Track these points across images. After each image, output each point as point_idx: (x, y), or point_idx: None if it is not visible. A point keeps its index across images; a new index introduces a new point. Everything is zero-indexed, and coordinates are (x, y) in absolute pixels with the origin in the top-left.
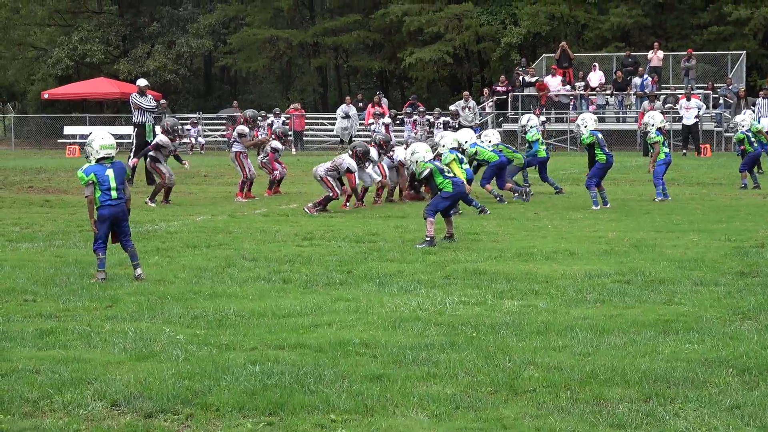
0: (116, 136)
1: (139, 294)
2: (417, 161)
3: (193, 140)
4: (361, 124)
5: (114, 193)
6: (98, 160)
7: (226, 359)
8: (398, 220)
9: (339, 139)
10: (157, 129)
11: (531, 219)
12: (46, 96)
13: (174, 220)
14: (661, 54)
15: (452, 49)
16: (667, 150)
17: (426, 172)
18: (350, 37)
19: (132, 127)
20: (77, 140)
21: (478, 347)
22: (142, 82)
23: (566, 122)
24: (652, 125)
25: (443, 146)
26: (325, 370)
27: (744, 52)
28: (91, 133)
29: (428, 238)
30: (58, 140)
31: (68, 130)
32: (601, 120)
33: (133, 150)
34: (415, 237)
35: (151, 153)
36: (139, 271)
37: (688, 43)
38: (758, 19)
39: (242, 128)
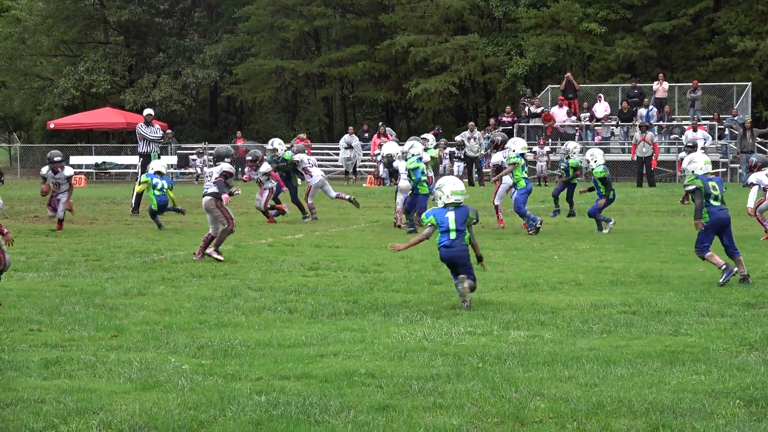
0: (122, 166)
1: (144, 324)
2: (692, 171)
3: (198, 170)
4: (366, 155)
5: (452, 234)
6: (446, 205)
7: (231, 389)
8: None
9: (344, 169)
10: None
11: (537, 249)
12: (52, 126)
13: (179, 249)
14: (666, 85)
15: (458, 79)
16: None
17: (692, 187)
18: (356, 68)
19: (138, 156)
20: (83, 170)
21: (484, 378)
22: (147, 112)
23: None
24: (513, 150)
25: (514, 151)
26: (331, 400)
27: (749, 83)
28: (442, 177)
29: (722, 268)
30: None
31: (74, 159)
32: (606, 151)
33: (139, 180)
34: (420, 267)
35: (214, 190)
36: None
37: (693, 74)
38: (764, 51)
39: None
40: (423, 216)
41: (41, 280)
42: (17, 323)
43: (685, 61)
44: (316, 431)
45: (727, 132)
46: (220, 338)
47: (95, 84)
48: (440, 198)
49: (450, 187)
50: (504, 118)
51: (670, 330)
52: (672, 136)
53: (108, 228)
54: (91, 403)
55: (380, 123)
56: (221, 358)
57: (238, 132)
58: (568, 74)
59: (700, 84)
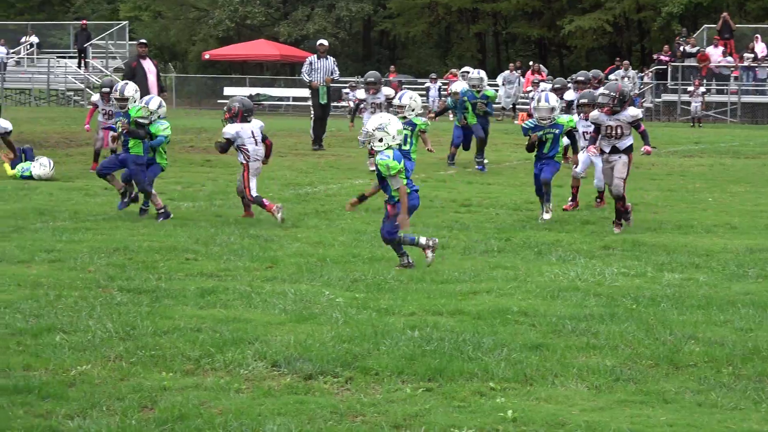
0: (276, 98)
1: (298, 256)
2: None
3: (351, 104)
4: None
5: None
6: (389, 147)
7: (385, 323)
8: (556, 189)
9: (501, 106)
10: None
11: (691, 191)
12: (207, 56)
13: (333, 183)
14: None
15: (612, 17)
16: None
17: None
18: (510, 4)
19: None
20: None
21: (638, 319)
22: (320, 42)
23: (727, 94)
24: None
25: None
26: (484, 337)
27: None
28: (379, 116)
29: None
30: (218, 101)
31: (228, 91)
32: (762, 93)
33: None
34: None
35: None
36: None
37: None
38: None
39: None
40: (392, 162)
41: (196, 210)
42: (173, 252)
43: None
44: (470, 368)
45: None
46: (373, 272)
47: (250, 16)
48: (383, 139)
49: (396, 126)
50: (663, 57)
51: None
52: None
53: None
54: (246, 333)
55: (530, 62)
56: (375, 292)
57: (392, 66)
58: (725, 14)
59: None
